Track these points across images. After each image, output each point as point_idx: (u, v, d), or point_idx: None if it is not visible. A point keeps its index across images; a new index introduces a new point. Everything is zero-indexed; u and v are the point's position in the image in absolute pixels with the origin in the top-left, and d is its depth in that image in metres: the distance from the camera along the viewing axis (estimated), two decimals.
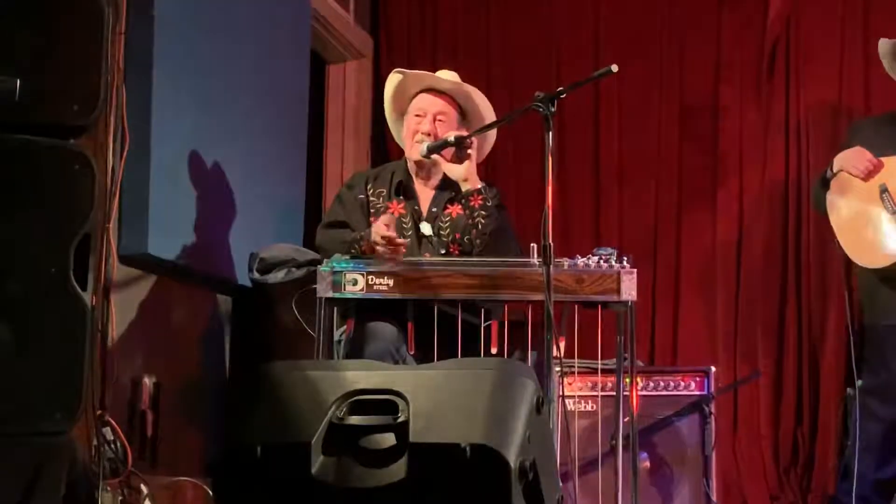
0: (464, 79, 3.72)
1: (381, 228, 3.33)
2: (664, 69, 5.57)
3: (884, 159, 4.00)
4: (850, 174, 4.02)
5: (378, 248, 3.31)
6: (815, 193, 4.23)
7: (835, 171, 4.07)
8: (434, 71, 3.77)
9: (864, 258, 4.00)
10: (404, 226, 3.56)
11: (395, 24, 5.94)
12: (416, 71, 3.70)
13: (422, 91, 3.64)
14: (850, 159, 4.03)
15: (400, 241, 3.32)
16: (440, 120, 3.59)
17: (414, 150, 3.59)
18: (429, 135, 3.55)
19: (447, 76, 3.69)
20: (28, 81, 2.57)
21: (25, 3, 2.64)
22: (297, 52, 5.06)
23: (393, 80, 3.69)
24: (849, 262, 4.16)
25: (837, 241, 4.06)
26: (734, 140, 5.43)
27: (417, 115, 3.61)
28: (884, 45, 4.15)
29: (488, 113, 3.66)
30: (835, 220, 4.07)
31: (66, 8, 2.68)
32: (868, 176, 4.00)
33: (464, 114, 3.66)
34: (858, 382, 4.11)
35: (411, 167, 3.67)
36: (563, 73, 5.59)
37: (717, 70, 5.50)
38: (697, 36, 5.55)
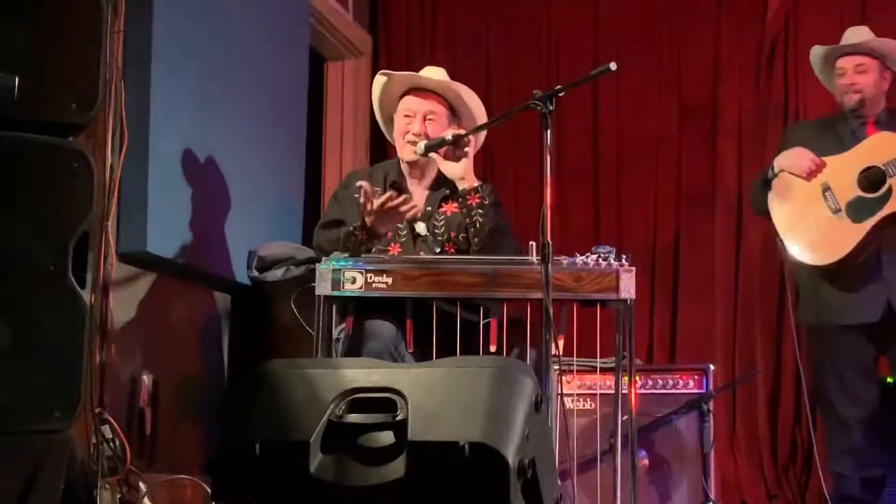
0: (462, 76, 3.72)
1: (376, 202, 3.32)
2: (663, 67, 5.58)
3: (826, 159, 4.02)
4: (793, 174, 4.04)
5: (389, 204, 3.30)
6: (755, 194, 4.23)
7: (776, 171, 4.08)
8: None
9: (810, 256, 4.01)
10: (399, 225, 3.56)
11: (394, 22, 5.95)
12: (401, 72, 3.70)
13: (409, 91, 3.64)
14: (793, 159, 4.05)
15: (402, 200, 3.32)
16: (430, 119, 3.59)
17: (406, 150, 3.59)
18: (419, 135, 3.55)
19: (433, 73, 3.68)
20: (27, 79, 2.57)
21: (24, 0, 2.64)
22: (295, 50, 5.06)
23: (378, 82, 3.69)
24: (789, 261, 4.15)
25: (780, 241, 4.07)
26: (733, 137, 5.44)
27: (407, 116, 3.61)
28: (815, 51, 4.18)
29: (478, 109, 3.66)
30: (778, 220, 4.08)
31: (64, 6, 2.68)
32: (810, 175, 4.02)
33: (453, 110, 3.65)
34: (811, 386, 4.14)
35: (404, 167, 3.67)
36: (562, 71, 5.59)
37: (715, 68, 5.51)
38: (696, 34, 5.56)
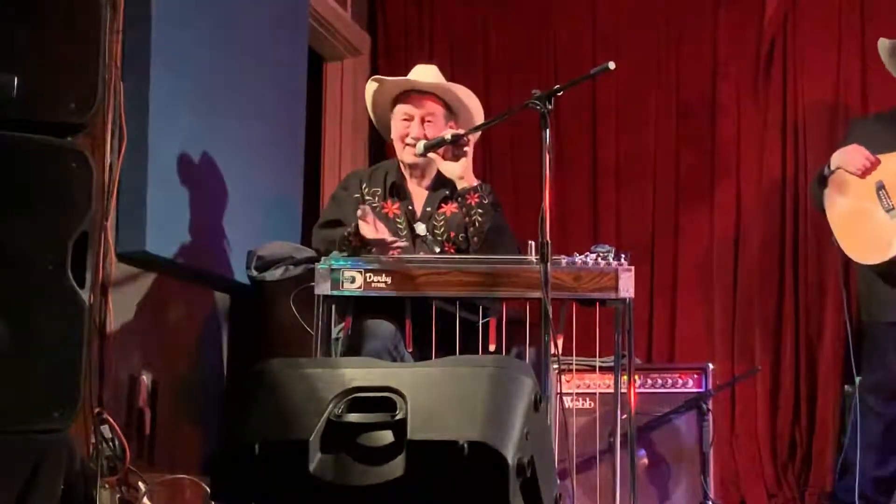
0: (460, 76, 3.73)
1: (369, 231, 3.32)
2: (661, 67, 5.58)
3: (881, 156, 4.00)
4: (848, 171, 4.03)
5: (368, 235, 3.30)
6: (813, 191, 4.23)
7: (832, 168, 4.08)
8: None
9: (862, 255, 4.01)
10: (399, 226, 3.57)
11: (393, 22, 5.95)
12: (394, 78, 3.70)
13: (403, 94, 3.64)
14: (848, 157, 4.04)
15: (393, 241, 3.32)
16: (428, 121, 3.60)
17: (406, 153, 3.59)
18: (418, 138, 3.55)
19: (426, 72, 3.68)
20: (25, 79, 2.57)
21: (23, 0, 2.64)
22: (294, 50, 5.06)
23: (370, 88, 3.70)
24: (847, 260, 4.16)
25: (835, 239, 4.07)
26: (731, 138, 5.44)
27: (405, 120, 3.61)
28: (883, 45, 4.16)
29: (475, 106, 3.66)
30: (832, 218, 4.08)
31: (63, 6, 2.67)
32: (865, 173, 4.00)
33: (450, 109, 3.66)
34: (858, 379, 4.12)
35: (404, 168, 3.67)
36: (560, 71, 5.59)
37: (714, 68, 5.51)
38: (694, 34, 5.56)
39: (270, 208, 4.72)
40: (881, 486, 4.05)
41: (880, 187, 3.97)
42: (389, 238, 3.34)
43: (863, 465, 4.04)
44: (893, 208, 3.95)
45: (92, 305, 2.75)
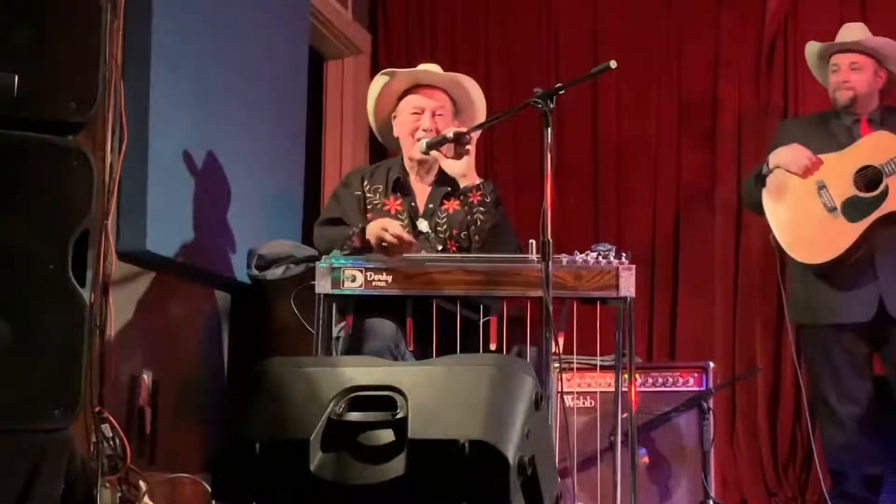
0: (462, 73, 3.71)
1: (394, 226, 3.31)
2: (662, 65, 5.58)
3: (822, 156, 4.01)
4: (789, 171, 4.04)
5: (387, 237, 3.28)
6: (748, 189, 4.22)
7: (771, 167, 4.08)
8: None
9: (806, 255, 4.00)
10: (401, 223, 3.56)
11: (394, 21, 5.95)
12: (407, 69, 3.69)
13: (412, 88, 3.63)
14: (789, 156, 4.05)
15: (410, 239, 3.31)
16: (439, 115, 3.59)
17: (415, 147, 3.58)
18: (429, 131, 3.54)
19: (432, 69, 3.68)
20: (26, 78, 2.57)
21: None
22: (295, 48, 5.06)
23: (379, 81, 3.68)
24: (783, 260, 4.15)
25: (773, 238, 4.06)
26: (733, 135, 5.44)
27: (415, 113, 3.60)
28: (811, 47, 4.18)
29: (480, 103, 3.66)
30: (772, 217, 4.07)
31: (63, 4, 2.67)
32: (806, 173, 4.01)
33: (456, 105, 3.65)
34: (804, 385, 4.14)
35: (408, 164, 3.66)
36: (562, 69, 5.59)
37: (715, 66, 5.51)
38: (696, 32, 5.56)
39: (271, 207, 4.72)
40: (871, 485, 4.05)
41: (822, 186, 3.99)
42: (409, 238, 3.32)
43: (845, 467, 4.04)
44: (835, 208, 3.95)
45: (92, 304, 2.75)
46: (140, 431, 3.90)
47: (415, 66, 3.75)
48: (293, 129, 5.01)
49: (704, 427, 4.10)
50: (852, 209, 3.93)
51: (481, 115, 3.67)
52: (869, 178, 3.94)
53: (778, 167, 4.06)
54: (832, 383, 4.05)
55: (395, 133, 3.68)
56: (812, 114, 4.45)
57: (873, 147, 3.98)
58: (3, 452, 2.53)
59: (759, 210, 4.12)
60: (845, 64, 4.10)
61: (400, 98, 3.65)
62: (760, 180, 4.11)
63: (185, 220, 4.09)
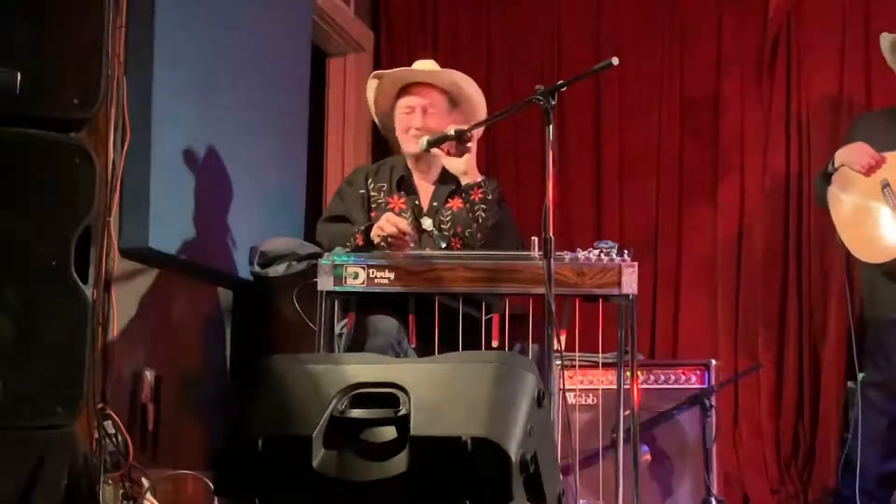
0: (463, 71, 3.70)
1: (394, 217, 3.33)
2: (665, 63, 5.57)
3: (886, 154, 4.00)
4: (852, 169, 4.02)
5: (387, 228, 3.29)
6: (817, 187, 4.23)
7: (836, 165, 4.07)
8: None
9: (866, 253, 4.00)
10: (406, 220, 3.55)
11: (396, 18, 5.95)
12: (393, 70, 3.69)
13: (405, 87, 3.64)
14: (852, 154, 4.03)
15: (410, 231, 3.33)
16: (430, 112, 3.59)
17: (410, 144, 3.58)
18: (420, 129, 3.55)
19: (425, 66, 3.68)
20: (28, 75, 2.58)
21: None
22: (297, 46, 5.06)
23: (371, 85, 3.69)
24: (850, 257, 4.16)
25: (839, 236, 4.06)
26: (735, 134, 5.43)
27: (406, 113, 3.61)
28: (885, 39, 4.15)
29: (476, 94, 3.65)
30: (836, 215, 4.07)
31: (66, 1, 2.68)
32: (869, 171, 3.99)
33: (452, 100, 3.65)
34: (860, 376, 4.11)
35: (410, 162, 3.66)
36: (564, 67, 5.59)
37: (718, 64, 5.50)
38: (698, 30, 5.55)
39: (274, 204, 4.72)
40: (885, 482, 4.05)
41: (885, 185, 3.97)
42: (409, 230, 3.33)
43: (866, 461, 4.03)
44: None
45: (95, 301, 2.75)
46: (142, 428, 3.90)
47: (413, 63, 3.75)
48: (295, 126, 5.01)
49: (707, 424, 4.11)
50: None
51: (481, 111, 3.66)
52: None
53: (843, 165, 4.05)
54: (886, 379, 4.03)
55: (395, 134, 3.69)
56: (887, 107, 4.39)
57: None
58: (6, 449, 2.54)
59: (827, 207, 4.12)
60: None
61: (397, 97, 3.66)
62: (826, 178, 4.10)
63: (187, 217, 4.09)
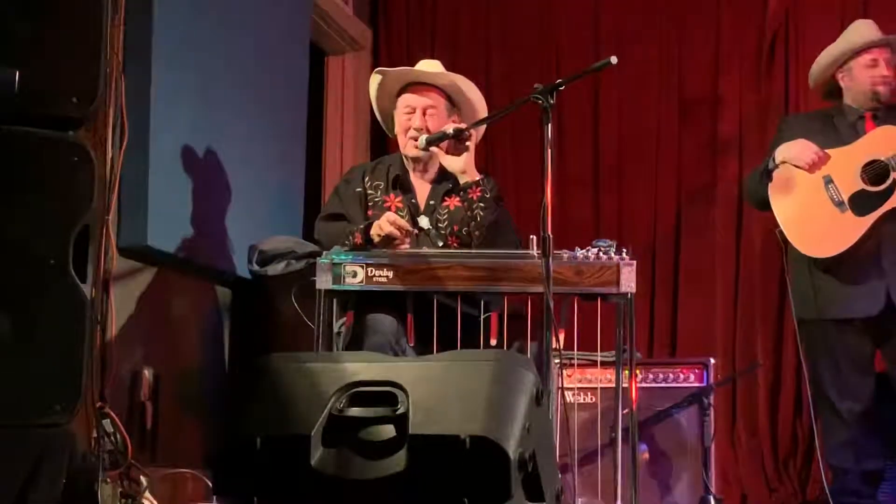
0: (462, 70, 3.71)
1: (394, 217, 3.33)
2: (663, 60, 5.57)
3: (828, 151, 4.01)
4: (795, 166, 4.03)
5: (387, 228, 3.29)
6: (752, 185, 4.21)
7: (777, 162, 4.08)
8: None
9: (814, 249, 4.00)
10: (402, 218, 3.55)
11: (394, 16, 5.95)
12: (396, 69, 3.69)
13: (406, 86, 3.64)
14: (797, 151, 4.04)
15: (408, 228, 3.33)
16: (430, 113, 3.59)
17: (409, 145, 3.59)
18: (420, 130, 3.55)
19: (429, 66, 3.68)
20: (27, 73, 2.57)
21: None
22: (296, 44, 5.06)
23: (374, 81, 3.69)
24: (787, 256, 4.15)
25: (781, 232, 4.06)
26: (733, 132, 5.43)
27: (407, 113, 3.61)
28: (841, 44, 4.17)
29: (476, 98, 3.66)
30: (779, 211, 4.06)
31: (65, 0, 2.67)
32: (813, 168, 4.01)
33: (452, 102, 3.65)
34: (808, 379, 4.13)
35: (407, 162, 3.67)
36: (563, 65, 5.59)
37: (716, 61, 5.50)
38: (697, 27, 5.56)
39: (272, 202, 4.72)
40: (871, 480, 4.05)
41: (829, 181, 3.98)
42: (408, 227, 3.33)
43: (842, 463, 4.03)
44: (843, 202, 3.95)
45: (93, 300, 2.76)
46: (141, 427, 3.90)
47: (415, 62, 3.75)
48: (294, 124, 5.01)
49: (705, 423, 4.11)
50: (860, 203, 3.93)
51: (480, 111, 3.67)
52: (876, 172, 3.94)
53: (785, 162, 4.06)
54: (834, 379, 4.04)
55: (395, 131, 3.69)
56: (814, 111, 4.44)
57: (880, 141, 3.97)
58: (4, 448, 2.54)
59: (763, 206, 4.12)
60: (882, 59, 4.08)
61: (398, 95, 3.66)
62: (767, 175, 4.10)
63: (185, 216, 4.09)
